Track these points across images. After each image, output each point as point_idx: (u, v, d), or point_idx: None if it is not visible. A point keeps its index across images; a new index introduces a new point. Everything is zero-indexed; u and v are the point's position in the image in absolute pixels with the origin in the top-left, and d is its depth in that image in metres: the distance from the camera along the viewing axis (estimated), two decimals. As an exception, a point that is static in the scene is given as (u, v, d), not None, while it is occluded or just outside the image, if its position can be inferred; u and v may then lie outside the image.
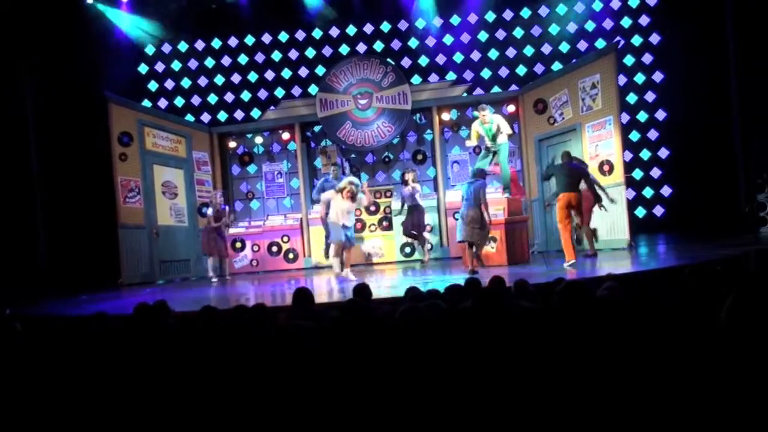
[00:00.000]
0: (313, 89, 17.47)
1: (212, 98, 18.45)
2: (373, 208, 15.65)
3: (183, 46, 18.50)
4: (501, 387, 2.96)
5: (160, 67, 18.58)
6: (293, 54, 18.24)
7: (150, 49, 18.44)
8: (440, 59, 17.52)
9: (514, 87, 16.64)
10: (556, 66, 16.42)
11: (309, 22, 17.98)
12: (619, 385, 2.88)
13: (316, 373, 3.30)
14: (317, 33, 18.15)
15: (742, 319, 3.16)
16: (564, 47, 16.98)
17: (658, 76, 16.63)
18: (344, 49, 17.93)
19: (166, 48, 18.46)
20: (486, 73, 17.27)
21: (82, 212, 15.10)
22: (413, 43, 17.69)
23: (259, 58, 18.34)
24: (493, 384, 2.98)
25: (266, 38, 18.33)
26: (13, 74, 15.02)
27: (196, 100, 18.50)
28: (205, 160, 16.58)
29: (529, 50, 17.15)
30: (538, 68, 16.97)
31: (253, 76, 18.36)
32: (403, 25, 17.78)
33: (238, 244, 16.29)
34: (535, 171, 14.83)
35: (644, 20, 16.81)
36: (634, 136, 16.60)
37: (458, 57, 17.43)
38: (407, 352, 3.33)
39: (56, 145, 15.34)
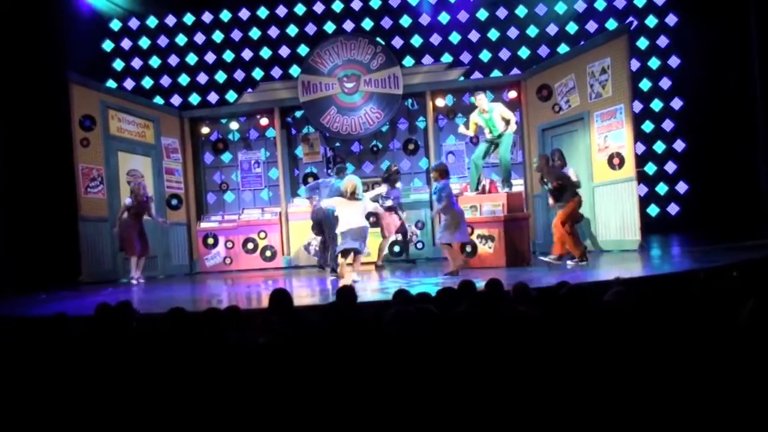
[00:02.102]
0: (294, 71, 17.41)
1: (183, 79, 18.38)
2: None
3: (152, 22, 18.41)
4: (495, 403, 2.97)
5: (126, 44, 18.47)
6: (273, 32, 18.17)
7: (115, 24, 18.33)
8: (435, 39, 17.49)
9: (515, 71, 16.61)
10: (563, 48, 16.44)
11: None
12: (626, 399, 2.90)
13: (298, 385, 3.31)
14: (300, 9, 18.08)
15: (764, 327, 3.18)
16: (571, 28, 16.97)
17: (674, 61, 16.65)
18: (329, 27, 17.89)
19: (134, 23, 18.36)
20: (485, 56, 17.27)
21: (39, 203, 14.95)
22: (405, 21, 17.65)
23: (236, 35, 18.26)
24: (486, 399, 2.99)
25: (244, 14, 18.24)
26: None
27: (165, 81, 18.42)
28: (174, 147, 16.51)
29: (532, 30, 17.12)
30: (543, 51, 16.97)
31: (228, 56, 18.29)
32: (394, 1, 17.72)
33: (210, 240, 16.25)
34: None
35: (660, -1, 16.86)
36: (648, 126, 16.63)
37: (455, 37, 17.41)
38: (393, 362, 3.33)
39: (10, 129, 15.21)
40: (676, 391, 2.88)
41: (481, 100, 12.47)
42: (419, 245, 15.49)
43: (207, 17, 18.34)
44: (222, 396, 3.37)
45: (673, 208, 16.59)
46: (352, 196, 10.48)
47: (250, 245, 16.17)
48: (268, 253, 16.13)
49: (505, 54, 17.21)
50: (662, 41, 16.73)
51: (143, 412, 3.40)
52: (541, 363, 3.26)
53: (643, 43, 16.69)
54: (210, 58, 18.34)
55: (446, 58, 16.97)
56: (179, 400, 3.39)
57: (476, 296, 5.41)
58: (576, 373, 3.13)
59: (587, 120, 13.50)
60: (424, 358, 3.35)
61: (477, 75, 16.70)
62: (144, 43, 18.46)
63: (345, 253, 10.54)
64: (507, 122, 12.42)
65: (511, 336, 3.68)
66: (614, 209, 12.70)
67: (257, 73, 18.07)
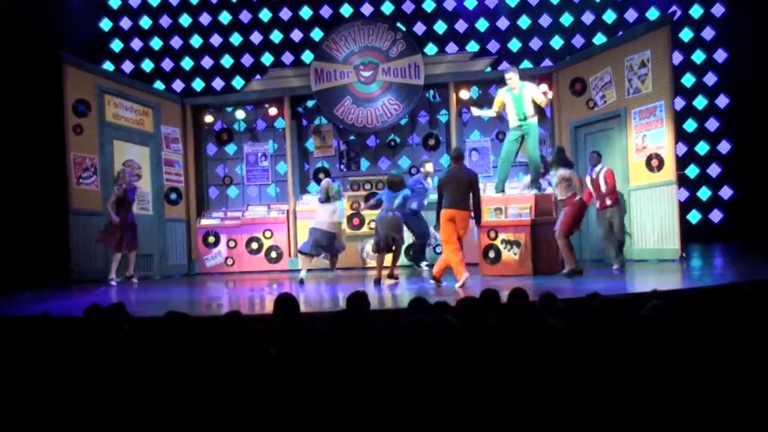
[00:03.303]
0: (307, 57, 17.43)
1: (187, 63, 18.42)
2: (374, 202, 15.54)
3: (154, 0, 18.46)
4: (520, 425, 2.94)
5: (126, 23, 18.52)
6: (285, 14, 18.17)
7: (114, 2, 18.38)
8: (460, 26, 17.46)
9: (547, 62, 16.60)
10: (599, 39, 16.40)
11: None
12: (665, 422, 2.86)
13: (303, 398, 3.29)
14: (315, -11, 18.09)
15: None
16: (609, 17, 16.91)
17: (720, 55, 16.56)
18: (346, 10, 17.87)
19: (134, 1, 18.39)
20: (514, 45, 17.22)
21: (27, 194, 15.00)
22: (428, 5, 17.61)
23: (245, 17, 18.27)
24: (510, 420, 2.96)
25: (254, -7, 18.30)
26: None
27: (167, 64, 18.46)
28: (175, 137, 16.52)
29: (566, 19, 17.08)
30: (577, 41, 16.92)
31: (236, 39, 18.30)
32: (417, -16, 17.73)
33: (211, 239, 16.23)
34: (569, 163, 14.77)
35: (706, -13, 16.76)
36: (690, 125, 16.53)
37: (482, 24, 17.37)
38: (407, 375, 3.31)
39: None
40: (719, 417, 2.84)
41: (513, 77, 12.17)
42: (438, 249, 15.36)
43: (214, -4, 18.36)
44: (221, 409, 3.35)
45: (716, 215, 16.48)
46: (328, 198, 11.98)
47: (255, 245, 16.14)
48: (273, 254, 16.10)
49: (536, 43, 17.15)
50: (708, 33, 16.62)
51: (133, 424, 3.39)
52: (570, 380, 3.23)
53: (686, 34, 16.59)
54: (216, 40, 18.33)
55: (472, 46, 16.95)
56: (173, 412, 3.38)
57: (500, 307, 5.38)
58: (608, 392, 3.10)
59: (624, 117, 13.43)
60: (439, 372, 3.33)
61: (505, 65, 16.54)
62: (145, 22, 18.50)
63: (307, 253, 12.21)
64: (537, 108, 12.24)
65: (537, 350, 3.65)
66: (652, 215, 12.62)
67: (267, 59, 18.07)
